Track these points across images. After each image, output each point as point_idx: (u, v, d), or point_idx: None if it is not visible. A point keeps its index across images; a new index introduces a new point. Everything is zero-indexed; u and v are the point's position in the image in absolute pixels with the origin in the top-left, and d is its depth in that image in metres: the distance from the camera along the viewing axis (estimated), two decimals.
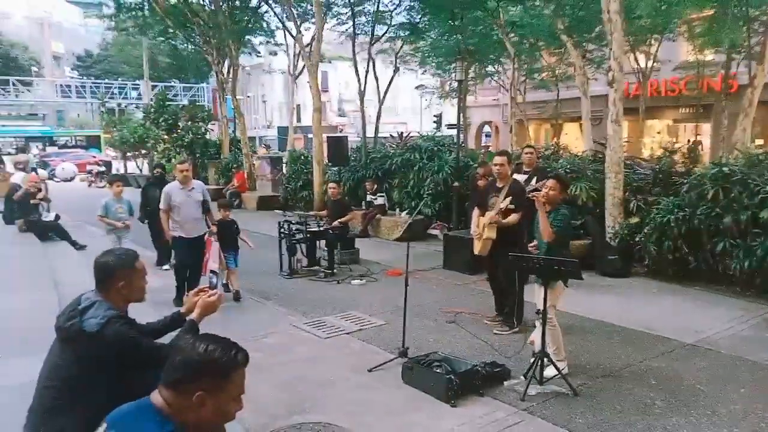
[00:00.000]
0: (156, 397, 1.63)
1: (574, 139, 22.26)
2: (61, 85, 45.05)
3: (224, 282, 7.28)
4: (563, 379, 4.55)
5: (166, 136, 22.43)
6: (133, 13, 20.10)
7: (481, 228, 5.91)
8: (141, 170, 25.90)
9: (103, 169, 25.79)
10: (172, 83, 39.55)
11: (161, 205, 6.74)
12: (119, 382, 2.41)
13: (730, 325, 6.18)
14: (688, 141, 17.62)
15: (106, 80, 43.14)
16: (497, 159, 6.11)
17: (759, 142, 17.86)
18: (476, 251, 6.13)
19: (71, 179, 28.79)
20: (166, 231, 6.77)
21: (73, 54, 54.36)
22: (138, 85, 39.81)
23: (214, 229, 6.98)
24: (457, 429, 3.96)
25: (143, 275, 2.67)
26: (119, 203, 7.97)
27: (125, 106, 37.26)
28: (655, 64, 18.10)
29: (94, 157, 32.24)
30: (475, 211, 6.23)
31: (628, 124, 20.83)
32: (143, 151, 25.09)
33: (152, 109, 22.79)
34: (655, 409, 4.28)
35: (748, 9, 10.88)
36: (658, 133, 22.72)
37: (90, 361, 2.40)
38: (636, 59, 17.93)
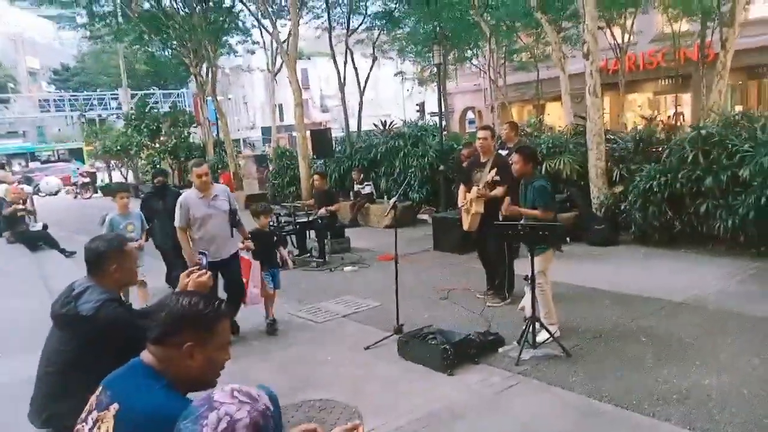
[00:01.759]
0: (145, 355, 1.67)
1: (557, 118, 22.40)
2: (39, 100, 44.56)
3: (271, 318, 5.78)
4: (555, 342, 4.65)
5: (149, 143, 22.32)
6: (107, 21, 19.95)
7: (469, 203, 5.99)
8: (126, 179, 25.76)
9: (87, 180, 25.61)
10: (152, 90, 39.26)
11: (178, 222, 5.26)
12: (118, 363, 2.45)
13: (717, 283, 6.31)
14: (669, 117, 17.80)
15: (85, 92, 42.73)
16: (480, 133, 6.19)
17: (739, 108, 18.09)
18: (465, 227, 6.22)
19: (56, 193, 28.58)
20: (190, 256, 5.18)
21: (48, 68, 53.79)
22: (117, 94, 39.48)
23: (249, 245, 5.50)
24: (454, 395, 4.05)
25: (133, 258, 2.71)
26: (127, 219, 6.21)
27: (106, 117, 36.95)
28: (631, 38, 18.23)
29: (78, 169, 31.98)
30: (461, 188, 6.31)
31: (609, 100, 21.03)
32: (126, 160, 24.97)
33: (133, 117, 22.66)
34: (646, 364, 4.38)
35: None
36: (639, 106, 22.91)
37: (88, 344, 2.44)
38: (612, 34, 18.06)
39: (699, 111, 15.79)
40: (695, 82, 18.04)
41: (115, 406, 1.55)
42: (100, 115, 36.82)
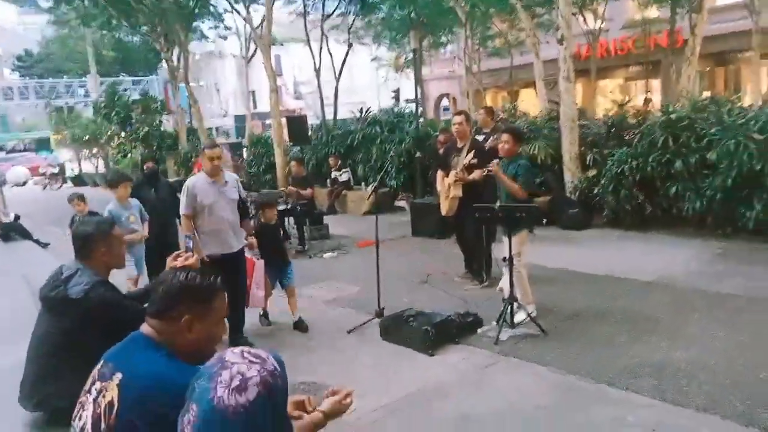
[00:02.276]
0: (145, 327, 1.72)
1: (531, 105, 22.66)
2: (2, 88, 43.21)
3: (263, 311, 5.47)
4: (533, 321, 4.80)
5: (120, 131, 21.89)
6: (73, 4, 19.43)
7: (447, 187, 6.08)
8: (97, 168, 25.28)
9: (56, 170, 25.08)
10: (121, 78, 38.40)
11: (183, 209, 4.73)
12: (107, 344, 2.48)
13: (686, 262, 6.55)
14: (647, 94, 18.15)
15: (51, 79, 41.59)
16: (456, 118, 6.29)
17: (706, 93, 18.55)
18: (443, 212, 6.32)
19: (23, 183, 27.93)
20: (198, 248, 4.62)
21: (11, 55, 52.10)
22: (85, 82, 38.53)
23: (253, 241, 5.13)
24: (437, 374, 4.16)
25: (121, 242, 2.73)
26: (128, 210, 5.83)
27: (73, 105, 36.04)
28: (603, 24, 18.50)
29: (45, 159, 31.25)
30: (439, 173, 6.40)
31: (581, 86, 21.34)
32: (95, 150, 24.50)
33: (103, 104, 22.17)
34: (619, 340, 4.56)
35: None
36: (611, 92, 23.27)
37: (78, 326, 2.47)
38: (584, 20, 18.29)
39: (668, 96, 16.17)
40: (665, 68, 18.44)
41: (118, 376, 1.60)
42: (67, 103, 35.87)
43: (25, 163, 30.81)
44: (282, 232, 5.76)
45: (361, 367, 4.37)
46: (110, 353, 1.73)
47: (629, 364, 4.10)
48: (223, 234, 4.78)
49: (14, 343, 2.70)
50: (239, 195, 4.96)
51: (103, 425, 1.58)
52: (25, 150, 37.70)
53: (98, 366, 1.71)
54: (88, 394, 1.68)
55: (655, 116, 8.58)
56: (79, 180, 24.83)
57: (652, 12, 17.69)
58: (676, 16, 15.43)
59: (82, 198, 6.78)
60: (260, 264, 5.12)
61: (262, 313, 5.46)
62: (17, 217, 10.53)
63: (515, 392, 3.89)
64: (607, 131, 9.31)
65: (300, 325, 5.29)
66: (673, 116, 7.83)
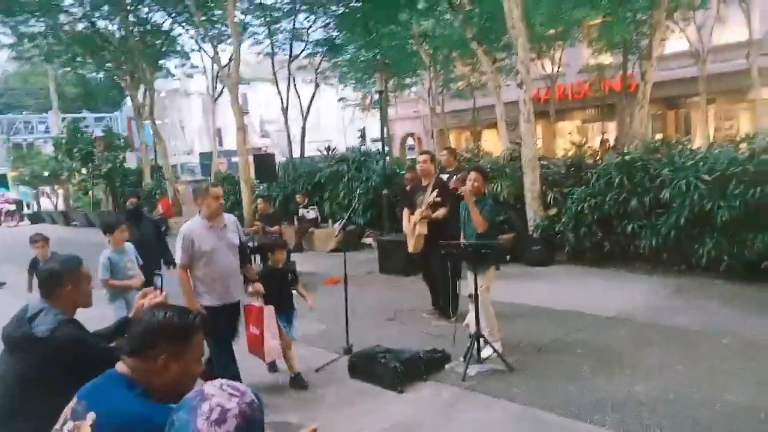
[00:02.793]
0: (120, 366, 1.72)
1: (493, 145, 23.28)
2: None
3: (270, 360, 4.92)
4: (499, 357, 4.87)
5: (81, 168, 21.52)
6: (37, 42, 19.26)
7: (413, 225, 6.20)
8: (56, 206, 24.63)
9: (13, 207, 24.34)
10: (83, 114, 37.88)
11: (180, 258, 4.25)
12: (76, 382, 2.44)
13: (644, 298, 6.77)
14: (603, 134, 18.86)
15: (10, 114, 40.68)
16: (420, 157, 6.47)
17: (659, 135, 19.43)
18: (410, 249, 6.41)
19: None
20: (191, 301, 4.18)
21: None
22: (45, 118, 37.84)
23: (259, 288, 4.68)
24: (406, 412, 4.17)
25: (89, 279, 2.71)
26: (125, 255, 5.41)
27: (33, 141, 35.26)
28: (560, 69, 19.33)
29: (2, 195, 30.29)
30: (405, 211, 6.52)
31: (541, 128, 22.06)
32: (56, 187, 23.95)
33: (64, 141, 21.83)
34: (583, 375, 4.66)
35: (635, 13, 11.97)
36: (569, 133, 24.14)
37: (44, 365, 2.42)
38: (543, 65, 19.08)
39: (623, 138, 16.87)
40: (620, 111, 19.27)
41: (91, 415, 1.59)
42: (26, 140, 35.09)
43: None
44: (291, 276, 5.19)
45: (329, 405, 4.35)
46: (84, 391, 1.72)
47: (593, 398, 4.19)
48: (223, 283, 4.31)
49: None
50: (239, 239, 4.54)
51: None
52: None
53: (71, 404, 1.70)
54: None
55: (610, 157, 8.95)
56: (37, 217, 24.13)
57: (606, 58, 18.59)
58: (628, 63, 16.26)
59: (46, 240, 6.31)
60: (270, 311, 4.58)
61: (294, 374, 4.88)
62: None
63: (484, 428, 3.93)
64: (567, 171, 9.66)
65: (299, 383, 4.76)
66: (627, 157, 8.19)
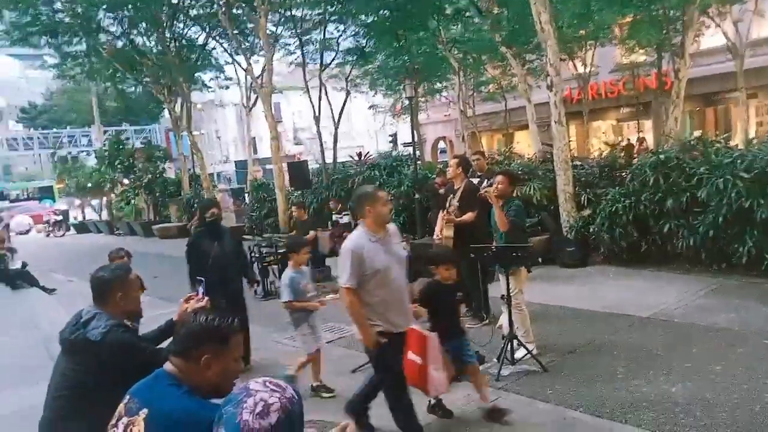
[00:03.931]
0: (168, 366, 1.88)
1: (526, 146, 23.11)
2: (7, 139, 43.94)
3: (434, 399, 4.27)
4: (533, 358, 4.89)
5: (123, 179, 22.26)
6: (80, 61, 20.06)
7: (440, 229, 6.29)
8: (100, 216, 25.52)
9: (60, 218, 25.32)
10: (123, 127, 39.16)
11: (347, 280, 3.52)
12: (125, 385, 2.61)
13: (681, 298, 6.66)
14: (628, 140, 18.55)
15: (55, 129, 42.34)
16: (451, 162, 6.56)
17: (697, 133, 18.99)
18: None
19: (27, 232, 28.12)
20: (369, 336, 3.55)
21: (15, 107, 53.17)
22: (88, 131, 39.25)
23: (420, 311, 3.98)
24: (440, 412, 4.23)
25: (137, 286, 2.88)
26: (304, 277, 5.06)
27: (77, 154, 36.65)
28: (592, 68, 19.09)
29: (48, 207, 31.52)
30: (440, 215, 6.61)
31: (575, 128, 21.81)
32: (101, 197, 24.82)
33: (106, 153, 22.62)
34: (617, 375, 4.65)
35: (667, 11, 11.79)
36: (603, 133, 23.79)
37: (97, 368, 2.59)
38: (575, 65, 18.88)
39: (659, 136, 16.56)
40: (655, 109, 18.91)
41: (144, 411, 1.75)
42: (70, 153, 36.49)
43: (28, 212, 31.05)
44: (462, 293, 4.43)
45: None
46: (136, 389, 1.88)
47: (628, 399, 4.19)
48: (397, 306, 3.62)
49: (33, 385, 2.82)
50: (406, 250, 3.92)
51: None
52: (28, 199, 38.04)
53: (124, 401, 1.85)
54: (115, 429, 1.82)
55: (645, 157, 8.84)
56: (82, 227, 25.04)
57: (639, 56, 18.28)
58: (663, 59, 15.96)
59: (129, 255, 5.27)
60: (434, 339, 3.78)
61: (433, 402, 4.24)
62: (24, 265, 10.68)
63: (517, 428, 3.97)
64: (600, 171, 9.57)
65: (496, 416, 4.05)
66: (662, 157, 8.08)
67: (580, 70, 19.28)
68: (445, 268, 4.21)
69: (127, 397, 1.87)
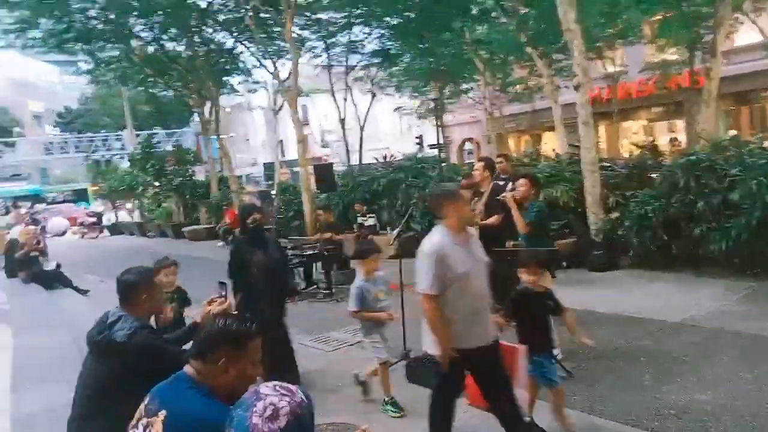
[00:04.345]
0: (188, 368, 1.93)
1: (554, 147, 22.86)
2: (43, 143, 45.32)
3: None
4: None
5: (155, 182, 22.73)
6: (113, 66, 20.58)
7: None
8: (132, 218, 26.10)
9: (94, 220, 25.99)
10: (155, 131, 40.02)
11: (429, 286, 3.22)
12: (149, 385, 2.67)
13: (713, 303, 6.50)
14: (652, 140, 18.17)
15: (90, 133, 43.50)
16: (476, 165, 6.53)
17: (732, 132, 18.50)
18: None
19: (63, 233, 28.90)
20: (446, 344, 3.25)
21: (52, 111, 54.82)
22: (121, 135, 40.23)
23: (500, 320, 3.63)
24: (462, 417, 4.20)
25: (161, 289, 2.95)
26: (376, 285, 4.69)
27: (110, 157, 37.58)
28: (621, 67, 18.77)
29: (83, 209, 32.36)
30: None
31: (604, 128, 21.49)
32: (131, 200, 25.41)
33: (139, 156, 23.13)
34: (644, 382, 4.56)
35: (698, 8, 11.52)
36: (635, 133, 23.37)
37: (121, 369, 2.66)
38: (603, 65, 18.60)
39: (692, 136, 16.20)
40: (688, 109, 18.49)
41: (163, 413, 1.79)
42: (104, 156, 37.45)
43: (63, 214, 31.90)
44: (554, 303, 3.89)
45: None
46: (156, 390, 1.92)
47: (654, 406, 4.11)
48: (481, 316, 3.33)
49: (65, 383, 2.91)
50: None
51: None
52: (64, 201, 39.11)
53: (145, 401, 1.90)
54: (135, 429, 1.86)
55: (675, 158, 8.66)
56: (115, 229, 25.64)
57: (671, 55, 17.91)
58: (695, 58, 15.61)
59: (177, 265, 4.65)
60: (522, 351, 3.56)
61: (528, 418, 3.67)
62: (58, 266, 10.99)
63: None
64: (629, 173, 9.40)
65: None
66: (693, 158, 7.90)
67: (610, 69, 18.97)
68: (529, 272, 3.82)
69: (148, 398, 1.92)
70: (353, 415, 4.35)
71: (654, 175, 8.71)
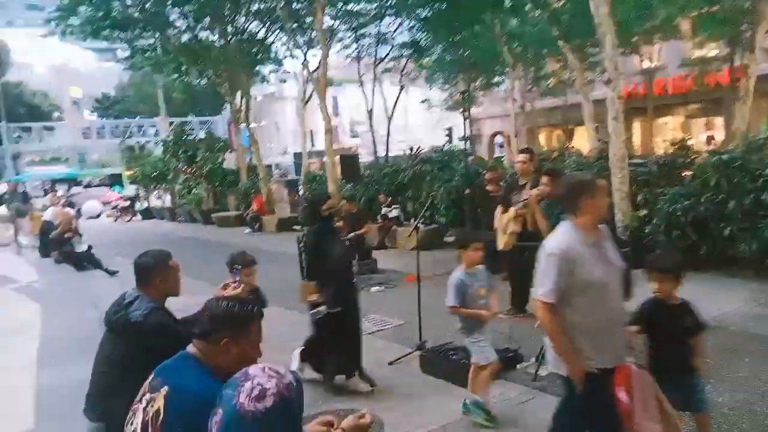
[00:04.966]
0: (191, 347, 2.00)
1: (587, 143, 22.48)
2: (82, 128, 46.54)
3: None
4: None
5: (185, 168, 23.11)
6: (148, 54, 20.98)
7: (505, 223, 6.22)
8: (163, 203, 26.62)
9: (127, 204, 26.63)
10: (188, 118, 40.68)
11: (549, 293, 2.79)
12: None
13: (740, 306, 6.35)
14: (683, 138, 17.67)
15: (125, 119, 44.49)
16: (520, 156, 6.52)
17: None
18: (500, 246, 6.42)
19: (97, 216, 29.68)
20: (574, 362, 2.81)
21: (91, 97, 56.17)
22: (155, 122, 41.03)
23: (635, 339, 3.20)
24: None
25: (177, 271, 3.03)
26: (477, 279, 4.26)
27: (144, 143, 38.38)
28: (659, 63, 18.31)
29: (117, 193, 33.15)
30: (498, 208, 6.55)
31: (639, 124, 21.02)
32: (164, 185, 25.91)
33: (171, 143, 23.54)
34: None
35: (737, 3, 11.17)
36: (671, 130, 22.81)
37: (135, 348, 2.75)
38: (640, 60, 18.17)
39: (731, 135, 15.75)
40: (727, 106, 17.96)
41: (165, 389, 1.86)
42: (138, 142, 38.27)
43: (98, 197, 32.73)
44: (694, 321, 3.29)
45: (398, 397, 4.50)
46: (160, 368, 1.99)
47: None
48: (616, 331, 2.89)
49: (84, 358, 3.03)
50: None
51: (150, 430, 1.83)
52: (99, 185, 40.15)
53: (149, 379, 1.97)
54: (139, 403, 1.94)
55: (709, 157, 8.44)
56: (147, 214, 26.21)
57: (710, 51, 17.39)
58: (735, 54, 15.13)
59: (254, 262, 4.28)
60: (645, 376, 2.91)
61: None
62: (90, 248, 11.31)
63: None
64: (659, 170, 9.19)
65: None
66: (724, 157, 7.69)
67: (646, 64, 18.54)
68: (660, 279, 3.24)
69: (152, 375, 1.99)
70: (363, 401, 4.40)
71: (685, 173, 8.50)
